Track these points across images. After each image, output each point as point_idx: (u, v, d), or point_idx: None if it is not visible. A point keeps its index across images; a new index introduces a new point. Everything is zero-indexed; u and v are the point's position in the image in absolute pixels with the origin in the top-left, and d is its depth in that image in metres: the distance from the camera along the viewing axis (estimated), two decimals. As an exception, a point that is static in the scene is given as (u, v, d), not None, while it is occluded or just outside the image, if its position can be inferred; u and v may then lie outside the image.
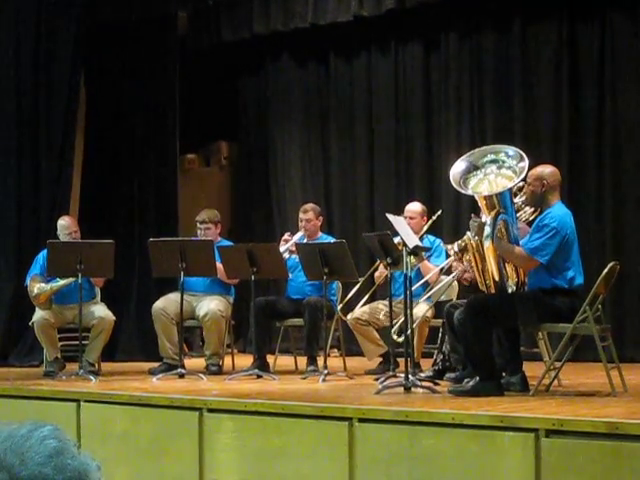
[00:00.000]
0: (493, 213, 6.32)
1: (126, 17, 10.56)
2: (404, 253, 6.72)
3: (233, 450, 6.05)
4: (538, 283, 6.42)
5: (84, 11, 10.37)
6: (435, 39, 10.36)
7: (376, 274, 8.35)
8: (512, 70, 9.86)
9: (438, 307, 7.79)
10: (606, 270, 6.41)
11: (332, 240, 8.39)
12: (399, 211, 8.23)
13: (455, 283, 7.99)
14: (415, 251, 6.87)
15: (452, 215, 9.95)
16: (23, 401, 7.18)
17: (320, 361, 7.99)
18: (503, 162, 6.54)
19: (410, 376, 6.56)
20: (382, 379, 6.94)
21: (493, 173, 6.52)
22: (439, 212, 8.40)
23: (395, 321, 7.34)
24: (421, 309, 7.76)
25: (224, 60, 11.65)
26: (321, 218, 8.74)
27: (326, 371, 7.61)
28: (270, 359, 8.43)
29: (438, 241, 8.38)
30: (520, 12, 9.79)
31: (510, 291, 6.51)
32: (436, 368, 7.42)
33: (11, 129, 10.07)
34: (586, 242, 7.96)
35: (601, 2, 9.44)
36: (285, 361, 8.92)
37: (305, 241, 8.39)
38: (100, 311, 8.37)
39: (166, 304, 8.45)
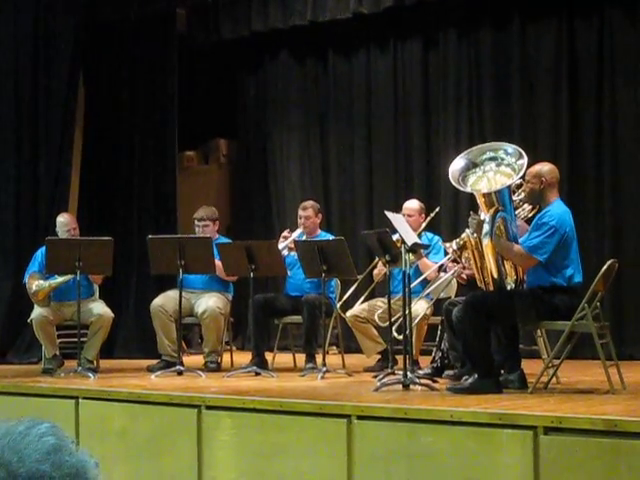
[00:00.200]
0: (492, 211, 6.32)
1: (125, 15, 10.56)
2: (403, 251, 6.72)
3: (231, 447, 6.06)
4: (537, 281, 6.42)
5: (83, 10, 10.38)
6: (434, 37, 10.36)
7: (375, 271, 8.36)
8: (511, 68, 9.86)
9: (437, 305, 7.79)
10: (605, 268, 6.41)
11: (331, 237, 8.39)
12: (398, 209, 8.23)
13: (454, 281, 7.99)
14: (414, 248, 6.86)
15: (451, 213, 9.95)
16: (21, 398, 7.18)
17: (319, 358, 7.99)
18: (502, 159, 6.53)
19: (409, 373, 6.56)
20: (381, 376, 6.94)
21: (492, 170, 6.52)
22: (437, 209, 8.39)
23: (395, 318, 7.34)
24: (420, 307, 7.76)
25: (223, 58, 11.65)
26: (320, 215, 8.74)
27: (325, 368, 7.61)
28: (269, 356, 8.43)
29: (437, 238, 8.38)
30: (519, 10, 9.79)
31: (509, 289, 6.51)
32: (435, 365, 7.42)
33: (10, 127, 10.07)
34: (585, 240, 7.96)
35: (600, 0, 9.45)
36: (284, 358, 8.92)
37: (304, 238, 8.39)
38: (99, 308, 8.38)
39: (165, 301, 8.45)
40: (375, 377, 7.10)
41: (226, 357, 8.74)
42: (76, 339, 8.15)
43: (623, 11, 9.34)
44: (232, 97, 11.78)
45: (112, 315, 8.45)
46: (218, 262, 8.15)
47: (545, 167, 6.57)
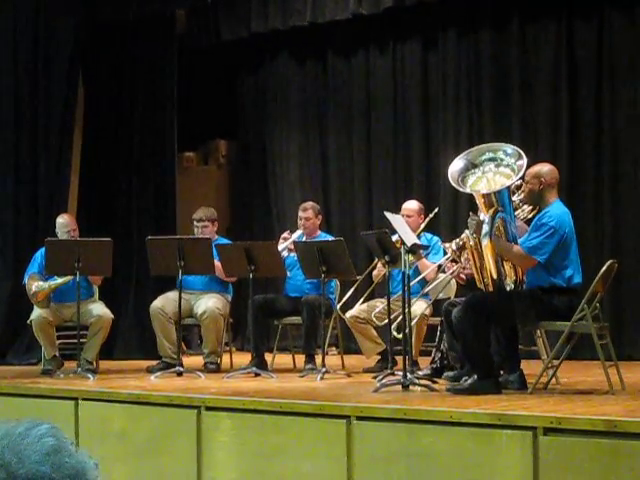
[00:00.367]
0: (491, 211, 6.32)
1: (124, 16, 10.55)
2: (402, 251, 6.72)
3: (231, 448, 6.06)
4: (536, 281, 6.42)
5: (82, 10, 10.37)
6: (433, 37, 10.36)
7: (374, 272, 8.36)
8: (510, 68, 9.86)
9: (436, 305, 7.79)
10: (604, 268, 6.41)
11: (330, 238, 8.39)
12: (397, 209, 8.23)
13: (453, 281, 7.99)
14: (413, 249, 6.86)
15: (450, 213, 9.95)
16: (21, 399, 7.18)
17: (318, 359, 7.99)
18: (501, 160, 6.53)
19: (408, 374, 6.56)
20: (380, 377, 6.94)
21: (491, 171, 6.52)
22: (436, 210, 8.39)
23: (394, 316, 7.34)
24: (419, 307, 7.77)
25: (222, 58, 11.66)
26: (320, 217, 8.74)
27: (324, 369, 7.61)
28: (268, 357, 8.43)
29: (436, 239, 8.38)
30: (518, 10, 9.79)
31: (508, 289, 6.51)
32: (434, 366, 7.41)
33: (10, 127, 10.07)
34: (584, 240, 7.96)
35: (599, 0, 9.44)
36: (283, 359, 8.92)
37: (304, 239, 8.39)
38: (98, 309, 8.37)
39: (164, 302, 8.45)
40: (374, 378, 7.10)
41: (226, 358, 8.74)
42: (76, 340, 8.15)
43: (622, 12, 9.34)
44: (231, 98, 11.78)
45: (112, 316, 8.44)
46: (217, 263, 8.15)
47: (544, 168, 6.58)
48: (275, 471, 5.87)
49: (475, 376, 6.25)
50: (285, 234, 8.55)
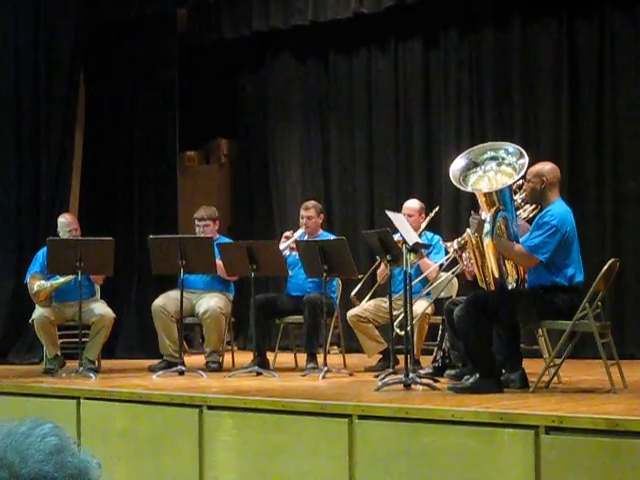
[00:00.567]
0: (493, 210, 6.32)
1: (125, 15, 10.55)
2: (404, 250, 6.72)
3: (233, 447, 6.06)
4: (538, 280, 6.42)
5: (83, 10, 10.37)
6: (434, 36, 10.36)
7: (379, 270, 8.33)
8: (511, 67, 9.86)
9: (438, 304, 7.79)
10: (606, 267, 6.41)
11: (332, 237, 8.39)
12: (398, 208, 8.23)
13: (455, 280, 7.99)
14: (415, 248, 6.86)
15: (452, 212, 9.95)
16: (23, 398, 7.18)
17: (320, 358, 7.99)
18: (503, 159, 6.53)
19: (410, 373, 6.56)
20: (382, 376, 6.94)
21: (493, 170, 6.52)
22: (437, 209, 8.39)
23: (396, 313, 7.34)
24: (421, 306, 7.76)
25: (224, 57, 11.65)
26: (322, 215, 8.74)
27: (326, 368, 7.61)
28: (270, 356, 8.43)
29: (437, 238, 8.38)
30: (519, 9, 9.79)
31: (510, 288, 6.51)
32: (436, 365, 7.41)
33: (11, 127, 10.07)
34: (586, 239, 7.95)
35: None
36: (285, 358, 8.93)
37: (306, 238, 8.39)
38: (100, 308, 8.38)
39: (166, 301, 8.45)
40: (376, 377, 7.10)
41: (227, 357, 8.74)
42: (77, 339, 8.15)
43: (623, 11, 9.34)
44: (233, 97, 11.78)
45: (113, 315, 8.45)
46: (219, 262, 8.15)
47: (546, 166, 6.57)
48: (277, 470, 5.87)
49: (477, 375, 6.25)
50: (287, 233, 8.55)
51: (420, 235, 7.96)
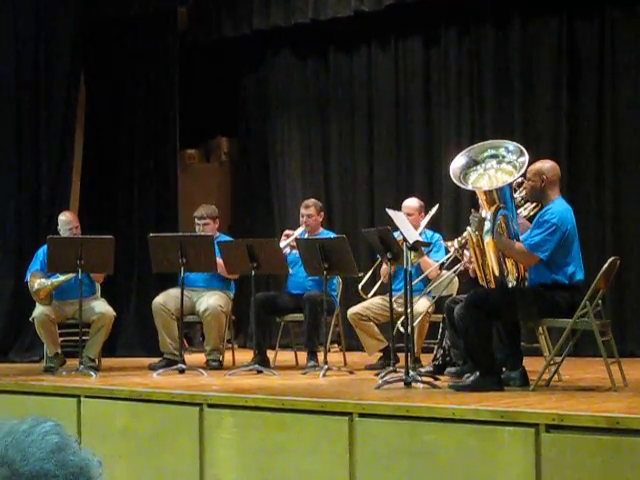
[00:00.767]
0: (493, 208, 6.32)
1: (126, 13, 10.55)
2: (404, 248, 6.72)
3: (233, 445, 6.06)
4: (538, 278, 6.42)
5: (83, 8, 10.37)
6: (435, 34, 10.36)
7: (382, 268, 8.32)
8: (512, 65, 9.86)
9: (438, 302, 7.79)
10: (606, 265, 6.41)
11: (333, 235, 8.39)
12: (399, 207, 8.23)
13: (456, 278, 7.99)
14: (415, 246, 6.86)
15: (452, 211, 9.96)
16: (23, 397, 7.18)
17: (320, 356, 8.00)
18: (503, 157, 6.53)
19: (410, 371, 6.56)
20: (382, 374, 6.94)
21: (493, 168, 6.52)
22: (436, 206, 8.38)
23: (401, 311, 7.35)
24: (422, 305, 7.76)
25: (224, 55, 11.65)
26: (322, 214, 8.74)
27: (326, 366, 7.61)
28: (270, 354, 8.44)
29: (437, 236, 8.38)
30: (520, 8, 9.79)
31: (510, 286, 6.51)
32: (436, 363, 7.42)
33: (11, 126, 10.07)
34: (586, 237, 7.96)
35: (600, -2, 9.46)
36: (285, 356, 8.93)
37: (306, 236, 8.39)
38: (100, 307, 8.38)
39: (166, 299, 8.45)
40: (377, 375, 7.10)
41: (228, 355, 8.74)
42: (78, 337, 8.16)
43: (623, 10, 9.34)
44: (233, 95, 11.78)
45: (114, 313, 8.45)
46: (220, 260, 8.15)
47: (546, 164, 6.57)
48: (277, 468, 5.87)
49: (477, 373, 6.25)
50: (287, 231, 8.55)
51: (420, 234, 7.95)
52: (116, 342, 9.88)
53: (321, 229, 8.68)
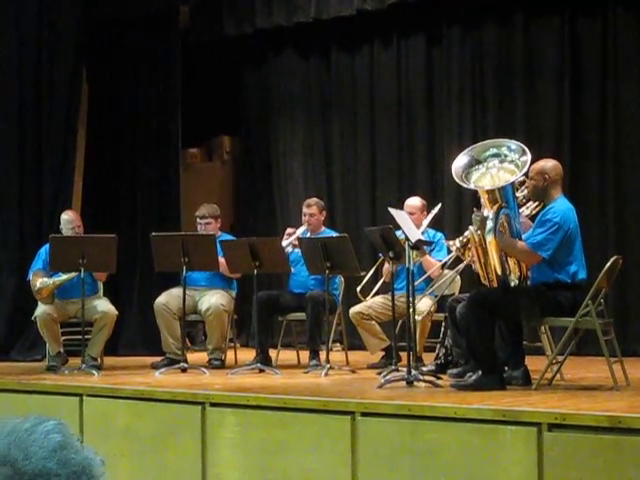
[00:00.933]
0: (495, 207, 6.31)
1: (128, 12, 10.55)
2: (406, 247, 6.72)
3: (236, 444, 6.06)
4: (541, 277, 6.41)
5: (85, 7, 10.36)
6: (437, 33, 10.36)
7: (385, 267, 8.32)
8: (514, 64, 9.85)
9: (441, 301, 7.79)
10: (608, 264, 6.41)
11: (335, 234, 8.39)
12: (401, 205, 8.22)
13: (458, 277, 7.99)
14: (417, 245, 6.86)
15: (454, 210, 9.95)
16: (26, 395, 7.18)
17: (322, 355, 7.99)
18: (505, 156, 6.52)
19: (412, 370, 6.56)
20: (384, 373, 6.95)
21: (495, 167, 6.51)
22: (439, 205, 8.37)
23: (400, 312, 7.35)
24: (425, 304, 7.76)
25: (226, 54, 11.65)
26: (324, 213, 8.74)
27: (328, 365, 7.61)
28: (272, 353, 8.44)
29: (439, 235, 8.37)
30: (522, 6, 9.78)
31: (513, 285, 6.51)
32: (438, 362, 7.42)
33: (14, 126, 10.07)
34: (589, 236, 7.95)
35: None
36: (287, 355, 8.93)
37: (308, 235, 8.39)
38: (103, 306, 8.38)
39: (168, 299, 8.45)
40: (379, 374, 7.11)
41: (230, 354, 8.75)
42: (80, 336, 8.16)
43: (627, 8, 9.33)
44: (235, 94, 11.78)
45: (116, 312, 8.45)
46: (222, 259, 8.15)
47: (548, 164, 6.57)
48: (279, 467, 5.87)
49: (479, 372, 6.25)
50: (289, 230, 8.55)
51: (422, 233, 7.95)
52: (118, 341, 9.89)
53: (323, 228, 8.68)
